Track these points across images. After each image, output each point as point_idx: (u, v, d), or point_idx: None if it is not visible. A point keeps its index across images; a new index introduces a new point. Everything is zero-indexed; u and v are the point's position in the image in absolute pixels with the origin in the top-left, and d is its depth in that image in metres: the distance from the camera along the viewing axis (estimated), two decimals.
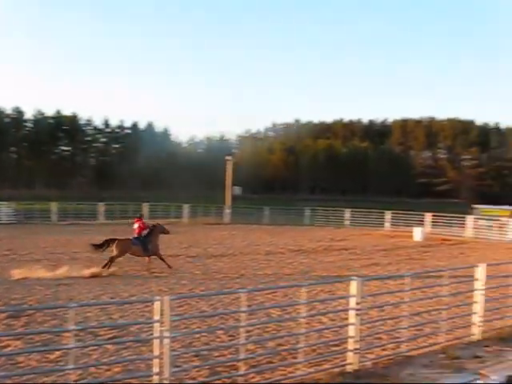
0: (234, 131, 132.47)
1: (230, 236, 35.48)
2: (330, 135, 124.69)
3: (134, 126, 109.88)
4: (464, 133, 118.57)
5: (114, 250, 20.71)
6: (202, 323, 12.77)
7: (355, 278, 9.86)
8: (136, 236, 21.52)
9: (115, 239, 20.98)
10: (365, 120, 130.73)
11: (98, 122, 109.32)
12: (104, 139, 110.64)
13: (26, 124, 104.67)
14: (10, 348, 10.53)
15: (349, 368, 9.60)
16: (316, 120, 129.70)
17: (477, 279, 12.15)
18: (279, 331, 12.17)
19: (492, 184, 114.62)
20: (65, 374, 8.13)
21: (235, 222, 45.27)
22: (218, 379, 8.98)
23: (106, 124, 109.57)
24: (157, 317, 7.97)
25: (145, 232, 21.66)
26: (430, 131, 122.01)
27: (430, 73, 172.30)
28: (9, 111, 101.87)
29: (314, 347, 10.75)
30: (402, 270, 22.06)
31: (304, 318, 10.16)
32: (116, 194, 73.47)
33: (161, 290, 16.73)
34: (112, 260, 20.53)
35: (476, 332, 11.98)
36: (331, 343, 10.89)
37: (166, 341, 7.91)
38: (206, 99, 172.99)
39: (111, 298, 15.91)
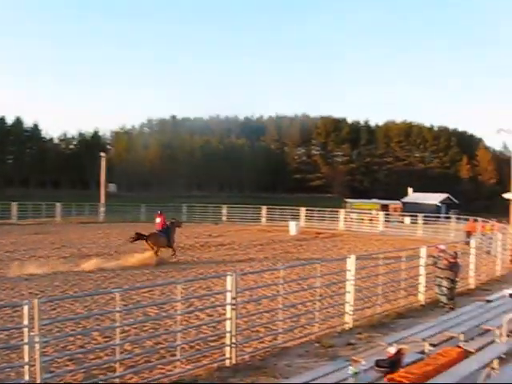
0: (108, 127, 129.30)
1: (105, 235, 34.58)
2: (206, 131, 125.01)
3: (1, 120, 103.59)
4: (336, 130, 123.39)
5: (149, 243, 23.57)
6: (77, 326, 12.35)
7: (230, 272, 9.97)
8: (160, 229, 24.43)
9: (145, 234, 24.00)
10: (241, 117, 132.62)
11: None
12: None
13: None
14: None
15: (227, 362, 9.70)
16: (192, 116, 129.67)
17: (348, 270, 12.69)
18: (157, 329, 12.05)
19: (362, 179, 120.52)
20: None
21: (110, 221, 44.12)
22: (94, 383, 8.74)
23: None
24: (26, 321, 7.59)
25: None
26: (303, 128, 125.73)
27: (303, 72, 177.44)
28: None
29: (193, 344, 10.79)
30: (278, 263, 22.62)
31: (181, 315, 10.15)
32: None
33: (32, 294, 15.98)
34: (157, 250, 23.55)
35: (348, 320, 12.55)
36: (209, 339, 10.96)
37: (37, 346, 7.56)
38: (81, 94, 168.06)
39: None
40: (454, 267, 14.19)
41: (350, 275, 12.57)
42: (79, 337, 11.46)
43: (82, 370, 9.17)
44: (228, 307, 9.88)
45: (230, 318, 9.82)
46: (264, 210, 45.54)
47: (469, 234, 32.19)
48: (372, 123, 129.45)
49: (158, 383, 8.82)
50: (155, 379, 8.99)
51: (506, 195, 36.85)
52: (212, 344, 10.74)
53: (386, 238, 36.89)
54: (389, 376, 6.36)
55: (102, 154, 51.68)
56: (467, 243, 22.05)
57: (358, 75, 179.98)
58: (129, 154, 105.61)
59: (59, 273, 20.06)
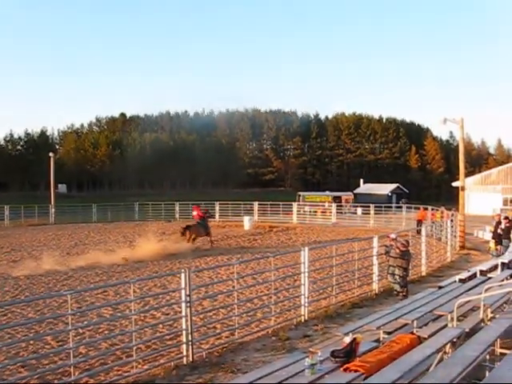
0: (56, 126, 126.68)
1: (56, 236, 33.89)
2: (156, 128, 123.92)
3: None
4: (287, 124, 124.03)
5: (191, 233, 27.06)
6: (29, 331, 12.06)
7: (183, 270, 9.89)
8: (198, 221, 28.09)
9: (190, 225, 28.02)
10: (191, 112, 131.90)
11: None
12: None
13: None
14: None
15: (184, 360, 9.64)
16: (142, 113, 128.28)
17: (302, 262, 12.76)
18: (112, 331, 11.88)
19: (314, 172, 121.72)
20: None
21: (61, 222, 43.29)
22: None
23: None
24: None
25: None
26: (254, 123, 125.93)
27: (252, 66, 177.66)
28: None
29: (149, 343, 10.70)
30: (233, 258, 22.61)
31: (136, 314, 10.03)
32: None
33: None
34: (194, 240, 27.13)
35: (304, 313, 12.63)
36: (166, 337, 10.87)
37: None
38: (27, 93, 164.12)
39: None
40: (405, 255, 14.43)
41: (305, 267, 12.63)
42: (32, 342, 11.21)
43: (36, 376, 8.94)
44: (183, 305, 9.79)
45: (186, 316, 9.75)
46: (217, 205, 45.46)
47: (419, 222, 32.85)
48: (322, 116, 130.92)
49: None
50: (112, 381, 8.85)
51: (455, 183, 37.78)
52: (168, 342, 10.67)
53: (339, 229, 37.33)
54: (345, 366, 6.42)
55: (51, 154, 50.50)
56: (418, 231, 22.54)
57: (307, 68, 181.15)
58: (78, 154, 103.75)
59: (10, 277, 19.55)
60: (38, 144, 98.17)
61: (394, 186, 73.39)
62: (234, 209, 44.68)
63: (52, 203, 47.88)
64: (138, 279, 15.82)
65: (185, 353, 9.71)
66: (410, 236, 18.84)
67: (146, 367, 9.34)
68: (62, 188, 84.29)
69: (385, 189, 71.43)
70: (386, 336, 8.63)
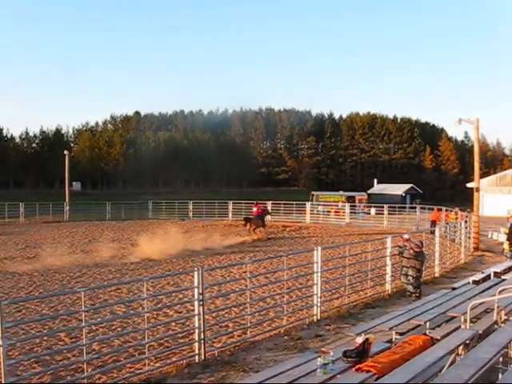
0: (70, 124, 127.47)
1: (70, 234, 34.13)
2: (170, 127, 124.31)
3: None
4: (301, 123, 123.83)
5: (251, 224, 33.09)
6: (43, 327, 12.15)
7: (196, 268, 9.92)
8: (256, 215, 34.35)
9: (250, 217, 34.50)
10: (205, 111, 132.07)
11: None
12: None
13: None
14: None
15: (196, 358, 9.67)
16: (156, 112, 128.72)
17: (315, 262, 12.74)
18: (125, 328, 11.94)
19: (328, 171, 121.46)
20: None
21: (75, 220, 43.54)
22: None
23: None
24: None
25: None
26: (268, 122, 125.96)
27: (267, 65, 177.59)
28: None
29: (162, 341, 10.74)
30: (246, 257, 22.63)
31: (148, 312, 10.07)
32: None
33: None
34: (254, 230, 32.78)
35: (316, 312, 12.61)
36: (178, 335, 10.90)
37: (1, 349, 7.38)
38: (40, 90, 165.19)
39: None
40: (419, 256, 14.37)
41: (317, 267, 12.61)
42: (46, 338, 11.30)
43: (49, 372, 9.03)
44: (196, 303, 9.82)
45: (198, 314, 9.78)
46: (230, 205, 45.50)
47: (433, 223, 32.66)
48: (336, 115, 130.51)
49: (127, 382, 8.73)
50: (124, 378, 8.89)
51: (470, 184, 37.52)
52: (181, 340, 10.68)
53: (353, 229, 37.25)
54: (357, 366, 6.41)
55: (66, 152, 50.88)
56: (432, 232, 22.42)
57: (321, 68, 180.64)
58: (92, 152, 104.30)
59: (24, 274, 19.71)
60: (53, 142, 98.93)
61: (407, 186, 72.96)
62: (248, 208, 44.69)
63: (66, 201, 48.27)
64: (151, 277, 15.92)
65: (197, 351, 9.74)
66: (424, 237, 18.75)
67: (158, 365, 9.37)
68: (77, 186, 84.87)
69: (399, 189, 71.06)
70: (398, 337, 8.60)
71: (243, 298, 13.70)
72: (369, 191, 71.12)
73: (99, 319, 11.78)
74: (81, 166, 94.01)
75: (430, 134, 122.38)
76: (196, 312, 9.84)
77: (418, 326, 9.05)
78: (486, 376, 6.24)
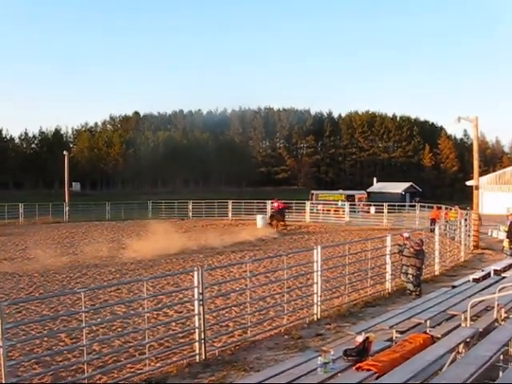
0: (70, 125, 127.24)
1: (70, 234, 34.12)
2: (169, 126, 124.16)
3: None
4: (300, 122, 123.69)
5: (275, 220, 36.54)
6: (43, 328, 12.14)
7: (196, 268, 9.91)
8: (277, 210, 37.52)
9: (273, 214, 37.71)
10: (204, 111, 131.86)
11: None
12: None
13: None
14: None
15: (197, 358, 9.67)
16: (155, 112, 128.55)
17: (315, 261, 12.73)
18: (125, 328, 11.93)
19: (327, 170, 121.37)
20: None
21: (75, 220, 43.52)
22: None
23: None
24: None
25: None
26: (267, 121, 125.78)
27: (266, 64, 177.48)
28: None
29: (162, 341, 10.73)
30: (246, 256, 22.63)
31: (149, 312, 10.06)
32: None
33: None
34: (276, 224, 35.99)
35: (317, 311, 12.60)
36: (179, 335, 10.89)
37: (1, 350, 7.36)
38: (40, 91, 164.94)
39: None
40: (419, 254, 14.38)
41: (317, 266, 12.60)
42: (46, 339, 11.29)
43: (50, 373, 9.02)
44: (196, 303, 9.82)
45: (199, 314, 9.77)
46: (230, 204, 45.51)
47: (433, 221, 32.67)
48: (335, 114, 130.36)
49: (128, 382, 8.73)
50: (125, 378, 8.89)
51: (469, 182, 37.51)
52: (181, 340, 10.67)
53: (352, 227, 37.28)
54: (357, 365, 6.41)
55: (65, 152, 50.81)
56: (432, 230, 22.42)
57: (320, 67, 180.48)
58: (92, 152, 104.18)
59: (24, 275, 19.70)
60: (53, 143, 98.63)
61: (407, 184, 72.93)
62: (247, 207, 44.70)
63: (66, 201, 48.22)
64: (151, 277, 15.92)
65: (197, 351, 9.74)
66: (424, 235, 18.75)
67: (158, 365, 9.37)
68: (76, 186, 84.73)
69: (398, 187, 71.01)
70: (398, 335, 8.60)
71: (243, 298, 13.69)
72: (368, 190, 71.07)
73: (99, 320, 11.78)
74: (80, 166, 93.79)
75: (430, 133, 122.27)
76: (196, 312, 9.84)
77: (419, 324, 9.04)
78: (487, 374, 6.23)
